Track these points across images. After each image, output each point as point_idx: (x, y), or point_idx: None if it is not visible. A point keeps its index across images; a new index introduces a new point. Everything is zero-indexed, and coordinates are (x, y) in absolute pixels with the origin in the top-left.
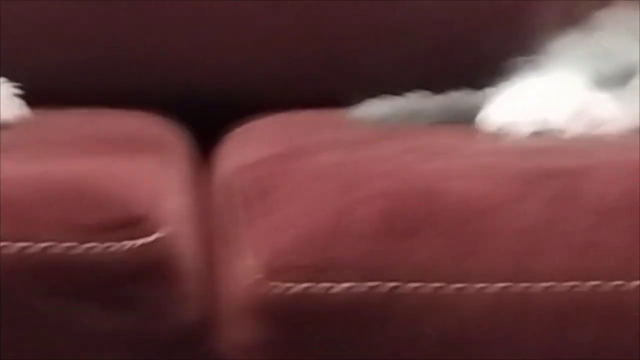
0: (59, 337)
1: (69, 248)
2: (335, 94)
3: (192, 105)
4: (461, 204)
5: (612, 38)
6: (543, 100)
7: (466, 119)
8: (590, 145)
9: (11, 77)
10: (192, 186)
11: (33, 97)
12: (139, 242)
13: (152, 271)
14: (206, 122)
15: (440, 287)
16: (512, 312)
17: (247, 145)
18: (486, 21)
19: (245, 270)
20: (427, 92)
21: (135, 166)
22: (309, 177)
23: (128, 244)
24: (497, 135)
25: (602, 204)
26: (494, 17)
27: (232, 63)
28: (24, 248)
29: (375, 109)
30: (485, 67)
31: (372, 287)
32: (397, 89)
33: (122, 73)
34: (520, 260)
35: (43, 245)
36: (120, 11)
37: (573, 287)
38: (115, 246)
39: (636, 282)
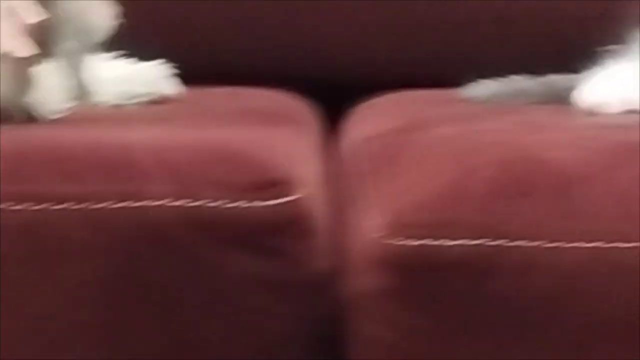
0: (217, 280)
1: (223, 204)
2: (448, 75)
3: (322, 85)
4: (562, 171)
5: None
6: (630, 82)
7: (563, 98)
8: None
9: (169, 59)
10: (322, 154)
11: (187, 76)
12: (281, 201)
13: (291, 226)
14: (333, 100)
15: (543, 245)
16: (606, 268)
17: (371, 120)
18: (581, 14)
19: (371, 227)
20: (529, 75)
21: (276, 136)
22: (429, 147)
23: (272, 202)
24: (590, 113)
25: None
26: (588, 11)
27: (356, 48)
28: (187, 204)
29: (484, 88)
30: (580, 53)
31: (482, 243)
32: (503, 71)
33: (265, 57)
34: (615, 222)
35: (202, 202)
36: (266, 4)
37: None
38: (261, 204)
39: None
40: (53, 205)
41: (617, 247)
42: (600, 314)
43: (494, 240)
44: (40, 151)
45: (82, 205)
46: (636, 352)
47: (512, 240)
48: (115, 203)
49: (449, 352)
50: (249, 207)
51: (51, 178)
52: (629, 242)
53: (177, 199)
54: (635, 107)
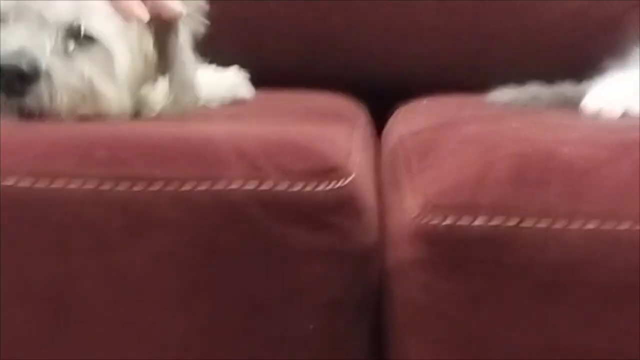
0: (281, 251)
1: (287, 187)
2: (476, 83)
3: (372, 90)
4: (570, 163)
5: None
6: (629, 90)
7: (572, 104)
8: None
9: (242, 65)
10: (370, 147)
11: (257, 80)
12: (336, 185)
13: (344, 206)
14: (381, 102)
15: (552, 224)
16: (607, 244)
17: (410, 119)
18: (589, 31)
19: (408, 209)
20: (544, 83)
21: (332, 130)
22: (458, 142)
23: (328, 186)
24: (596, 116)
25: None
26: (594, 28)
27: (401, 61)
28: (257, 187)
29: (506, 94)
30: (587, 65)
31: (500, 224)
32: (522, 80)
33: (326, 66)
34: (615, 205)
35: (270, 185)
36: (323, 16)
37: None
38: (319, 187)
39: None
40: (147, 186)
41: (616, 226)
42: (603, 282)
43: (509, 220)
44: (139, 140)
45: (170, 187)
46: (635, 314)
47: (525, 220)
48: (198, 185)
49: (472, 312)
50: (309, 189)
51: (147, 163)
52: (626, 221)
53: (249, 182)
54: (635, 111)
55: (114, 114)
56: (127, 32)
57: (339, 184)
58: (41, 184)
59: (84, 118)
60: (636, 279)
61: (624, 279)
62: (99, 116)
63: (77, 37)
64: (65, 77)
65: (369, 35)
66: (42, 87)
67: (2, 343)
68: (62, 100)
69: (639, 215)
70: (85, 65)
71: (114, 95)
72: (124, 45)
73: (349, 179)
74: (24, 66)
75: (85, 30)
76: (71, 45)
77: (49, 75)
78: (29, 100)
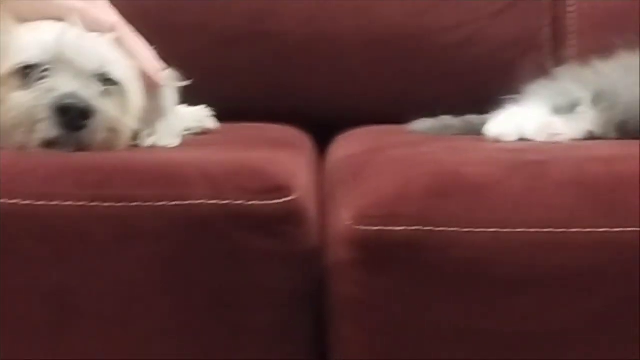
0: (240, 254)
1: (244, 202)
2: (399, 115)
3: (314, 122)
4: (472, 180)
5: (565, 84)
6: (522, 120)
7: (477, 131)
8: (550, 147)
9: (208, 104)
10: (313, 168)
11: (221, 115)
12: (283, 199)
13: (290, 216)
14: (321, 132)
15: (460, 229)
16: (502, 246)
17: (346, 145)
18: (490, 73)
19: (344, 217)
20: (454, 114)
21: (281, 155)
22: (384, 163)
23: (277, 200)
24: (495, 141)
25: (556, 180)
26: (494, 71)
27: (339, 98)
28: (219, 202)
29: (424, 124)
30: (489, 100)
31: (419, 228)
32: (436, 112)
33: (276, 102)
34: (508, 214)
35: (229, 201)
36: (277, 65)
37: (540, 230)
38: (269, 201)
39: (575, 230)
40: (129, 203)
41: (510, 231)
42: (500, 275)
43: (424, 227)
44: (122, 166)
45: (149, 204)
46: (526, 301)
47: (438, 226)
48: (171, 202)
49: (397, 303)
50: (261, 204)
51: (129, 185)
52: (519, 227)
53: (212, 199)
54: (526, 136)
55: (127, 144)
56: (138, 77)
57: (286, 199)
58: (42, 202)
59: (109, 148)
60: (526, 274)
61: (516, 274)
62: (118, 146)
63: (103, 81)
64: (105, 115)
65: (314, 79)
66: (94, 123)
67: (9, 336)
68: (102, 134)
69: (528, 222)
70: (112, 105)
71: (131, 129)
72: (137, 87)
73: (294, 195)
74: (83, 106)
75: (109, 75)
76: (100, 88)
77: (96, 114)
78: (85, 135)
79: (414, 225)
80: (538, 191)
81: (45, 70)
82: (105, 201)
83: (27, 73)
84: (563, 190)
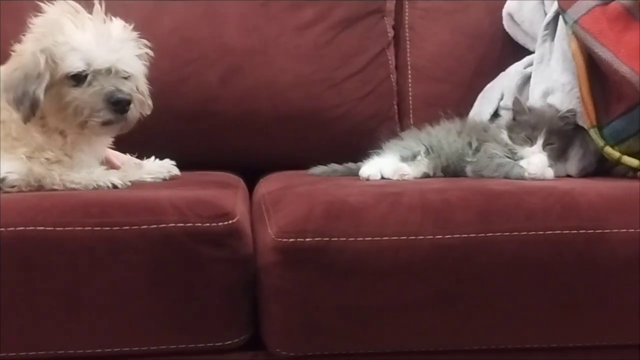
0: (198, 260)
1: (201, 225)
2: (302, 163)
3: (245, 169)
4: (354, 205)
5: (408, 141)
6: (383, 166)
7: (354, 174)
8: (401, 183)
9: (172, 158)
10: (246, 201)
11: (180, 165)
12: (229, 222)
13: (233, 233)
14: (251, 175)
15: (346, 239)
16: (375, 250)
17: (267, 184)
18: (362, 135)
19: (269, 233)
20: (339, 162)
21: (225, 192)
22: (294, 196)
23: (223, 223)
24: (366, 180)
25: (407, 204)
26: (363, 134)
27: (261, 152)
28: (184, 225)
29: (318, 169)
30: (361, 153)
31: (320, 240)
32: (327, 161)
33: (217, 156)
34: (378, 228)
35: (191, 224)
36: (219, 131)
37: (398, 238)
38: (219, 223)
39: (421, 237)
40: (120, 227)
41: (379, 240)
42: (372, 269)
43: (324, 238)
44: (107, 199)
45: (128, 227)
46: (381, 291)
47: (332, 237)
48: (150, 225)
49: (307, 290)
50: (214, 225)
51: (112, 213)
52: (384, 236)
53: (179, 223)
54: (386, 175)
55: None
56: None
57: (230, 222)
58: (60, 228)
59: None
60: (388, 267)
61: (382, 267)
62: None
63: (119, 73)
64: (137, 101)
65: (244, 141)
66: (134, 108)
67: (31, 324)
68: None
69: (389, 233)
70: (132, 91)
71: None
72: (142, 75)
73: (235, 218)
74: (128, 98)
75: (128, 73)
76: (130, 84)
77: (134, 102)
78: (129, 116)
79: (317, 237)
80: (396, 212)
81: (92, 72)
82: (104, 226)
83: (78, 75)
84: (412, 211)
